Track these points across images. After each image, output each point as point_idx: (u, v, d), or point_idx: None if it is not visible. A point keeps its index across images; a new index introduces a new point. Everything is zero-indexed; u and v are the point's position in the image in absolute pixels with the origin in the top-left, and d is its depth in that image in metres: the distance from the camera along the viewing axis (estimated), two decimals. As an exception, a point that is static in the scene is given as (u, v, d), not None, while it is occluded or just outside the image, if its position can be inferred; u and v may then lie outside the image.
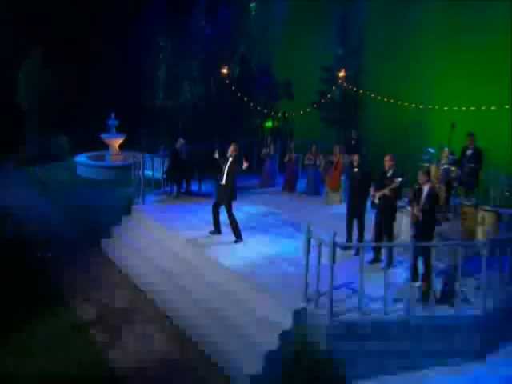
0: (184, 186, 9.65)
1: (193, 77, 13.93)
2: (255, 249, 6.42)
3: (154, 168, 9.95)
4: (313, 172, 10.00)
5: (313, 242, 5.00)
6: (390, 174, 6.00)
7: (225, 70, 13.34)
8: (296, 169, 10.38)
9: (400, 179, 5.81)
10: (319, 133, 12.67)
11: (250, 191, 9.86)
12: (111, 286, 6.81)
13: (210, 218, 6.95)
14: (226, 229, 6.87)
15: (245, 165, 6.71)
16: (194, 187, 9.39)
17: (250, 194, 9.56)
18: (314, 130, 12.91)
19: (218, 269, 6.03)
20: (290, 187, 10.20)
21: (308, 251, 5.04)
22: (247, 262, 6.00)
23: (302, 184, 10.31)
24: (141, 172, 8.87)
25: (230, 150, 6.58)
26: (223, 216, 6.84)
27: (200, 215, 7.85)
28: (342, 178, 9.33)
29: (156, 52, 14.15)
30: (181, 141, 9.60)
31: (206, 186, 9.58)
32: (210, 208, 7.03)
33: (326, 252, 4.81)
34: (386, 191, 5.90)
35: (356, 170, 6.43)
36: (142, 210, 8.36)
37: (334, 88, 12.78)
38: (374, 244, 5.92)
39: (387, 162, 6.00)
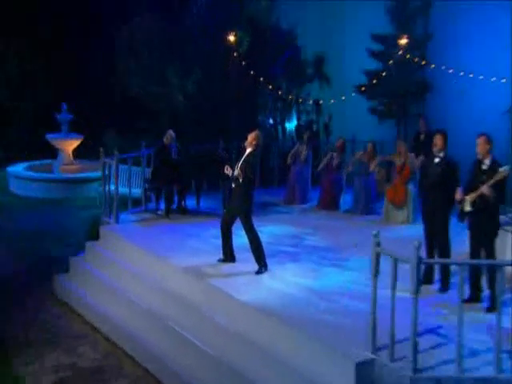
0: (176, 199, 9.79)
1: (184, 54, 14.25)
2: (287, 280, 6.47)
3: (133, 180, 10.41)
4: (363, 181, 10.09)
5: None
6: (487, 163, 5.57)
7: (232, 37, 13.59)
8: (337, 178, 10.55)
9: (507, 167, 5.33)
10: (365, 128, 12.79)
11: (271, 209, 10.12)
12: (73, 341, 6.86)
13: (218, 240, 7.08)
14: (243, 254, 6.93)
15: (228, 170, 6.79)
16: (191, 202, 9.70)
17: (271, 212, 9.85)
18: (358, 125, 13.09)
19: (235, 308, 5.90)
20: (329, 203, 10.34)
21: (376, 272, 4.90)
22: (278, 297, 5.95)
23: (347, 199, 10.52)
24: (113, 179, 9.07)
25: (250, 138, 6.61)
26: (238, 238, 6.97)
27: (203, 237, 8.03)
28: (410, 187, 9.37)
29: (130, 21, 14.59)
30: (170, 133, 9.74)
31: (208, 202, 10.40)
32: (216, 228, 7.22)
33: (401, 276, 4.71)
34: (485, 189, 5.36)
35: (437, 160, 6.16)
36: (115, 232, 8.46)
37: (390, 62, 12.92)
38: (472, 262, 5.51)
39: (481, 145, 5.53)
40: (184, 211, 9.67)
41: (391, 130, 13.65)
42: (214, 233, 8.23)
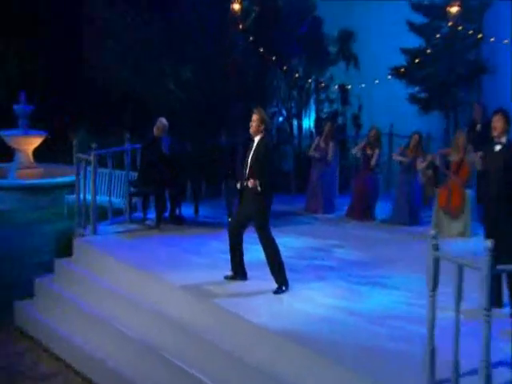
0: (169, 207, 9.84)
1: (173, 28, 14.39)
2: (316, 301, 6.54)
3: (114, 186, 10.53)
4: (406, 183, 10.15)
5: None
6: None
7: (236, 6, 13.68)
8: (372, 179, 10.62)
9: None
10: (402, 121, 12.85)
11: (288, 219, 10.20)
12: (40, 383, 6.95)
13: (224, 255, 7.27)
14: (257, 271, 7.08)
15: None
16: (187, 210, 9.94)
17: (289, 223, 9.94)
18: (394, 116, 13.14)
19: (251, 334, 5.93)
20: (361, 211, 10.41)
21: (434, 284, 4.87)
22: (308, 322, 5.99)
23: (384, 206, 10.59)
24: (91, 182, 9.14)
25: (254, 122, 6.70)
26: (251, 253, 7.11)
27: (204, 252, 8.18)
28: (469, 191, 9.38)
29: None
30: (162, 121, 9.82)
31: (209, 210, 10.53)
32: (221, 240, 7.42)
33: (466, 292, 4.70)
34: None
35: (498, 147, 5.95)
36: (93, 245, 8.58)
37: (437, 36, 12.98)
38: None
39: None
40: (179, 221, 9.70)
41: (436, 122, 13.70)
42: (218, 246, 8.29)
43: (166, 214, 9.76)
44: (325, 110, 15.25)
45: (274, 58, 14.09)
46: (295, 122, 15.35)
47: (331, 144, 10.99)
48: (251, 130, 6.79)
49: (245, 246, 6.97)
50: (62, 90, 15.86)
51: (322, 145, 11.03)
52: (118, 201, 10.73)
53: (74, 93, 15.84)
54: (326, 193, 10.93)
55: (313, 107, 15.58)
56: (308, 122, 15.70)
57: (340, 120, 14.83)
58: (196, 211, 10.21)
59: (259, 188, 6.68)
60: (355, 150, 10.92)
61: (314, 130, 15.00)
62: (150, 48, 14.21)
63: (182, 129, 12.46)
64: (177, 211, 9.84)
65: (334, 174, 11.39)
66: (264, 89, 14.96)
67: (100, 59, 14.52)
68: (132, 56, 14.32)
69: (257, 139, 6.77)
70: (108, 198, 9.90)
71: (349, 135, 14.20)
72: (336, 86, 14.80)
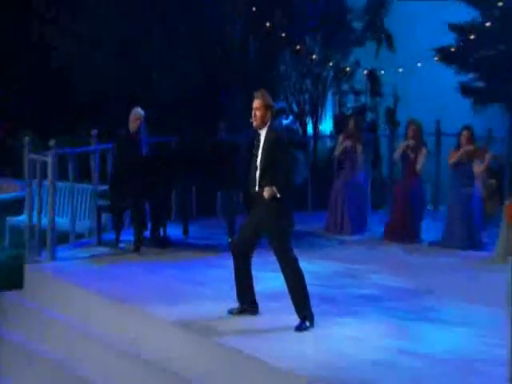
0: (149, 225, 9.96)
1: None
2: (348, 339, 6.56)
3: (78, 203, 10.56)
4: (461, 197, 10.19)
5: None
6: None
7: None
8: (417, 189, 10.70)
9: None
10: (451, 117, 12.92)
11: (307, 241, 10.32)
12: None
13: (224, 284, 7.49)
14: (270, 303, 7.21)
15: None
16: (173, 230, 10.26)
17: (309, 246, 10.08)
18: (440, 111, 13.29)
19: (264, 382, 5.93)
20: (403, 231, 10.50)
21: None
22: (339, 366, 5.98)
23: (433, 225, 10.80)
24: (50, 193, 9.23)
25: (258, 109, 6.72)
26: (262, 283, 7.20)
27: (199, 280, 8.34)
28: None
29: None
30: (138, 112, 9.96)
31: (203, 229, 10.78)
32: (220, 267, 7.76)
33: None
34: None
35: None
36: (51, 274, 8.69)
37: (500, 4, 13.02)
38: None
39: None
40: (163, 243, 9.76)
41: (497, 119, 13.73)
42: (217, 273, 8.32)
43: (147, 235, 9.82)
44: (349, 105, 15.27)
45: (283, 35, 14.16)
46: (310, 121, 15.39)
47: (359, 147, 11.10)
48: (255, 123, 6.79)
49: (258, 276, 7.14)
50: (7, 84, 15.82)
51: (348, 145, 11.12)
52: (83, 224, 10.76)
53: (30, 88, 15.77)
54: (355, 208, 11.03)
55: (332, 101, 15.66)
56: (326, 121, 15.78)
57: (369, 116, 14.90)
58: (185, 231, 10.26)
59: (278, 194, 6.73)
60: (397, 155, 10.97)
61: (333, 131, 15.09)
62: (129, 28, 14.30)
63: (169, 124, 12.54)
64: (160, 231, 9.88)
65: (365, 185, 11.46)
66: (268, 77, 15.03)
67: (65, 43, 14.55)
68: (108, 38, 14.36)
69: (263, 132, 6.81)
70: (69, 218, 10.05)
71: (381, 136, 14.26)
72: (365, 72, 14.85)
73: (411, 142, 10.56)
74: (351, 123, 11.29)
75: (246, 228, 7.07)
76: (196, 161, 9.88)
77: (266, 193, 6.70)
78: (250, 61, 14.93)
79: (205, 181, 10.05)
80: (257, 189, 6.86)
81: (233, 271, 7.06)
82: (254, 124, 6.78)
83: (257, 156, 6.88)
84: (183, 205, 10.61)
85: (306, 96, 15.33)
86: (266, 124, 6.78)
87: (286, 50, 14.79)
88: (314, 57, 14.73)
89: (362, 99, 15.18)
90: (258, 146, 6.88)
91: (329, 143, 15.24)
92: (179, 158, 10.15)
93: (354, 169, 11.14)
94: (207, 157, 9.88)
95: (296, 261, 6.86)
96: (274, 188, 6.67)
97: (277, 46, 14.62)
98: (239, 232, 7.27)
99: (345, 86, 15.22)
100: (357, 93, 15.15)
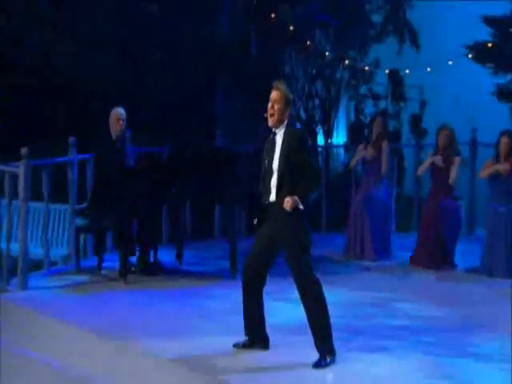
0: (138, 248, 10.00)
1: None
2: (378, 380, 6.56)
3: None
4: (503, 217, 10.23)
5: None
6: None
7: None
8: (451, 209, 10.76)
9: None
10: (486, 124, 13.05)
11: (323, 266, 10.18)
12: None
13: (229, 316, 7.55)
14: (284, 337, 7.24)
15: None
16: (165, 254, 10.30)
17: (325, 271, 9.76)
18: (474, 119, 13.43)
19: None
20: (435, 256, 10.57)
21: None
22: None
23: (469, 249, 10.81)
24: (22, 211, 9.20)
25: (276, 102, 6.68)
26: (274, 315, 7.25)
27: (198, 310, 8.44)
28: None
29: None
30: (118, 112, 9.99)
31: (199, 254, 10.85)
32: (220, 296, 7.84)
33: None
34: None
35: None
36: (22, 304, 8.68)
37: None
38: None
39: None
40: (154, 269, 9.80)
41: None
42: (218, 304, 8.37)
43: (134, 260, 9.85)
44: (366, 112, 15.36)
45: (289, 30, 14.32)
46: (320, 131, 15.43)
47: (385, 148, 11.13)
48: (271, 120, 6.72)
49: (270, 312, 7.18)
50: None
51: (370, 154, 11.18)
52: (60, 250, 10.77)
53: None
54: (378, 229, 11.07)
55: (347, 107, 15.84)
56: (339, 131, 15.85)
57: (391, 124, 14.93)
58: (179, 255, 10.26)
59: (301, 206, 6.70)
60: (421, 170, 11.01)
61: (348, 142, 15.16)
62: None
63: (157, 130, 12.60)
64: (150, 255, 9.92)
65: (389, 202, 11.51)
66: (272, 79, 15.09)
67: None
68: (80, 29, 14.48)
69: (281, 132, 6.78)
70: (43, 243, 10.04)
71: (406, 146, 14.30)
72: (386, 72, 14.96)
73: (438, 159, 10.57)
74: (377, 124, 11.29)
75: (258, 245, 7.01)
76: (191, 171, 9.96)
77: (288, 203, 6.63)
78: (251, 60, 15.12)
79: (201, 195, 10.10)
80: (273, 198, 6.82)
81: (240, 300, 7.04)
82: (270, 121, 6.72)
83: (271, 160, 6.83)
84: (176, 224, 10.65)
85: (316, 101, 15.40)
86: (283, 122, 6.76)
87: (292, 48, 15.00)
88: (327, 54, 14.80)
89: (383, 104, 15.34)
90: (273, 148, 6.83)
91: (343, 156, 15.27)
92: (171, 168, 10.20)
93: (376, 183, 11.14)
94: (204, 166, 9.94)
95: (319, 284, 6.86)
96: (297, 197, 6.65)
97: (282, 42, 14.81)
98: (251, 250, 7.18)
99: (362, 90, 15.38)
100: (376, 97, 15.34)
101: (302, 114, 15.36)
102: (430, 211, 10.65)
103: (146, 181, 9.87)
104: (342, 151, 15.67)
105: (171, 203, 10.63)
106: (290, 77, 15.23)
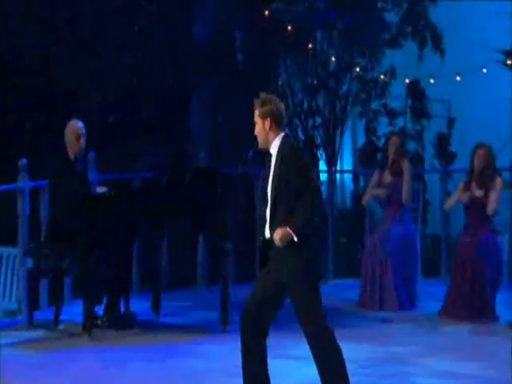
0: (105, 297, 10.02)
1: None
2: None
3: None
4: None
5: None
6: None
7: None
8: (489, 248, 10.70)
9: None
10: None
11: (334, 318, 9.92)
12: None
13: (224, 376, 7.70)
14: None
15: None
16: (138, 305, 10.39)
17: (337, 323, 9.72)
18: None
19: None
20: (471, 305, 10.51)
21: None
22: None
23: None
24: None
25: (258, 122, 6.97)
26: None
27: (182, 370, 8.49)
28: None
29: None
30: (75, 126, 10.01)
31: (180, 304, 11.05)
32: (208, 356, 8.12)
33: None
34: None
35: None
36: None
37: None
38: None
39: None
40: (125, 322, 9.87)
41: None
42: (206, 365, 8.40)
43: (101, 311, 9.87)
44: (380, 132, 15.29)
45: (288, 30, 14.33)
46: (323, 155, 15.41)
47: (407, 170, 11.12)
48: (259, 141, 7.02)
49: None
50: None
51: (388, 181, 11.14)
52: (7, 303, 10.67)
53: None
54: (401, 274, 11.10)
55: (355, 126, 15.88)
56: (344, 156, 15.88)
57: (411, 146, 14.96)
58: (155, 305, 10.30)
59: (295, 237, 6.69)
60: (449, 204, 10.94)
61: (357, 162, 15.13)
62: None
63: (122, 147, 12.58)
64: (121, 305, 9.95)
65: (414, 240, 11.41)
66: (262, 90, 15.14)
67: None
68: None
69: (274, 151, 6.95)
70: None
71: (429, 173, 14.28)
72: (406, 82, 15.00)
73: (479, 192, 10.51)
74: (393, 144, 11.26)
75: (259, 288, 7.04)
76: (169, 199, 9.97)
77: (277, 235, 6.69)
78: (237, 67, 15.13)
79: (183, 229, 10.28)
80: (267, 233, 6.89)
81: (235, 358, 7.09)
82: (259, 143, 7.03)
83: (266, 186, 6.97)
84: (152, 267, 10.60)
85: (318, 119, 15.41)
86: (273, 139, 6.92)
87: (288, 53, 15.01)
88: (331, 61, 14.84)
89: (400, 123, 15.31)
90: (269, 171, 6.98)
91: (351, 185, 15.27)
92: (145, 196, 10.16)
93: (397, 216, 11.09)
94: (186, 192, 9.98)
95: (331, 334, 6.91)
96: (289, 228, 6.64)
97: (276, 45, 14.82)
98: (251, 295, 7.18)
99: (374, 105, 15.35)
100: (392, 113, 15.28)
101: (301, 135, 15.23)
102: (465, 250, 10.58)
103: (115, 212, 9.88)
104: (348, 179, 15.63)
105: (145, 240, 10.67)
106: (286, 88, 15.20)
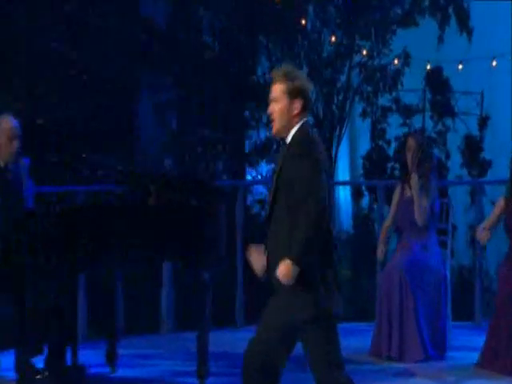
0: (46, 346, 9.96)
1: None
2: None
3: None
4: None
5: None
6: None
7: None
8: None
9: None
10: None
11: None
12: None
13: None
14: None
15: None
16: (90, 356, 10.54)
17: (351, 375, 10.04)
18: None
19: None
20: None
21: None
22: None
23: None
24: None
25: (273, 95, 6.96)
26: None
27: None
28: None
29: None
30: (12, 124, 10.03)
31: (142, 354, 11.11)
32: None
33: None
34: None
35: None
36: None
37: None
38: None
39: None
40: (73, 375, 9.83)
41: None
42: None
43: (42, 363, 9.77)
44: (390, 134, 15.49)
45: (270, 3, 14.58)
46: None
47: (414, 181, 11.18)
48: (275, 126, 6.98)
49: None
50: None
51: (408, 195, 11.23)
52: None
53: None
54: (427, 315, 11.16)
55: (351, 129, 16.09)
56: (341, 164, 16.02)
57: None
58: (111, 356, 10.39)
59: (292, 272, 6.73)
60: (488, 225, 10.98)
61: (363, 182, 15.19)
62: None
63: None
64: (67, 355, 9.87)
65: (443, 271, 11.45)
66: (241, 83, 15.53)
67: None
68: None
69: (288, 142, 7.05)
70: None
71: (454, 186, 14.37)
72: (427, 69, 15.13)
73: None
74: (412, 147, 11.31)
75: (269, 323, 7.11)
76: (130, 219, 9.97)
77: (281, 274, 6.76)
78: (203, 49, 15.37)
79: (146, 258, 10.11)
80: (266, 255, 6.99)
81: None
82: (273, 128, 6.99)
83: (270, 192, 7.06)
84: (106, 308, 10.56)
85: (309, 118, 15.47)
86: (291, 128, 6.91)
87: (270, 34, 15.23)
88: (327, 43, 14.95)
89: (417, 122, 15.46)
90: (276, 168, 7.08)
91: (350, 202, 15.43)
92: (94, 214, 10.11)
93: (421, 242, 11.14)
94: (156, 209, 10.04)
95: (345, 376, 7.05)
96: (289, 261, 6.69)
97: (254, 23, 15.10)
98: (257, 333, 7.26)
99: (383, 100, 15.55)
100: (406, 110, 15.44)
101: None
102: (509, 285, 10.64)
103: (54, 236, 9.79)
104: (346, 194, 15.77)
105: (97, 273, 10.67)
106: (268, 79, 15.32)
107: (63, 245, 9.76)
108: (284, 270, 6.70)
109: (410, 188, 11.22)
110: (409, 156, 11.34)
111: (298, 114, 6.87)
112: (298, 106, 6.84)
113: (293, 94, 6.83)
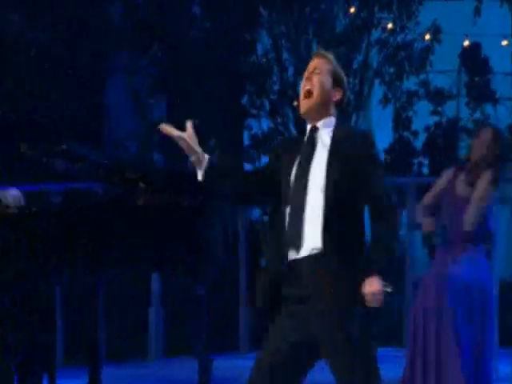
0: (16, 374, 10.06)
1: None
2: None
3: None
4: None
5: None
6: None
7: None
8: None
9: None
10: None
11: None
12: None
13: None
14: None
15: None
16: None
17: None
18: None
19: None
20: None
21: None
22: None
23: None
24: None
25: (316, 66, 6.92)
26: None
27: None
28: None
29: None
30: None
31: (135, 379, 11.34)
32: None
33: None
34: None
35: None
36: None
37: None
38: None
39: None
40: None
41: None
42: None
43: None
44: (417, 124, 15.56)
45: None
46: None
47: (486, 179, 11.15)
48: (306, 103, 6.87)
49: None
50: None
51: (459, 193, 11.22)
52: None
53: None
54: (467, 343, 11.11)
55: (377, 116, 16.17)
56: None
57: (463, 146, 15.20)
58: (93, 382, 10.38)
59: (389, 289, 6.67)
60: None
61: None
62: None
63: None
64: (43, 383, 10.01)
65: (490, 290, 11.42)
66: (234, 69, 15.78)
67: None
68: None
69: (326, 130, 6.94)
70: None
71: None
72: (465, 44, 15.17)
73: None
74: (484, 143, 11.34)
75: (274, 351, 7.01)
76: (112, 223, 10.17)
77: (373, 294, 6.67)
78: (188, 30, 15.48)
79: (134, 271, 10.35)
80: (306, 252, 6.82)
81: None
82: (304, 104, 6.91)
83: (303, 179, 6.87)
84: (87, 330, 10.61)
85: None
86: (328, 111, 6.90)
87: (277, 4, 15.33)
88: (351, 11, 15.06)
89: (451, 110, 15.50)
90: (307, 156, 6.91)
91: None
92: (70, 217, 10.28)
93: (465, 254, 11.15)
94: (145, 211, 10.21)
95: None
96: (377, 276, 6.59)
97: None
98: (259, 361, 7.16)
99: (409, 83, 15.64)
100: (437, 96, 15.53)
101: (293, 129, 15.57)
102: None
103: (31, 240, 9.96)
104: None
105: (75, 290, 10.69)
106: (271, 60, 15.52)
107: (38, 251, 9.98)
108: (376, 288, 6.65)
109: (470, 185, 11.20)
110: (478, 148, 11.33)
111: (335, 104, 6.93)
112: (337, 95, 6.91)
113: (337, 81, 6.90)
